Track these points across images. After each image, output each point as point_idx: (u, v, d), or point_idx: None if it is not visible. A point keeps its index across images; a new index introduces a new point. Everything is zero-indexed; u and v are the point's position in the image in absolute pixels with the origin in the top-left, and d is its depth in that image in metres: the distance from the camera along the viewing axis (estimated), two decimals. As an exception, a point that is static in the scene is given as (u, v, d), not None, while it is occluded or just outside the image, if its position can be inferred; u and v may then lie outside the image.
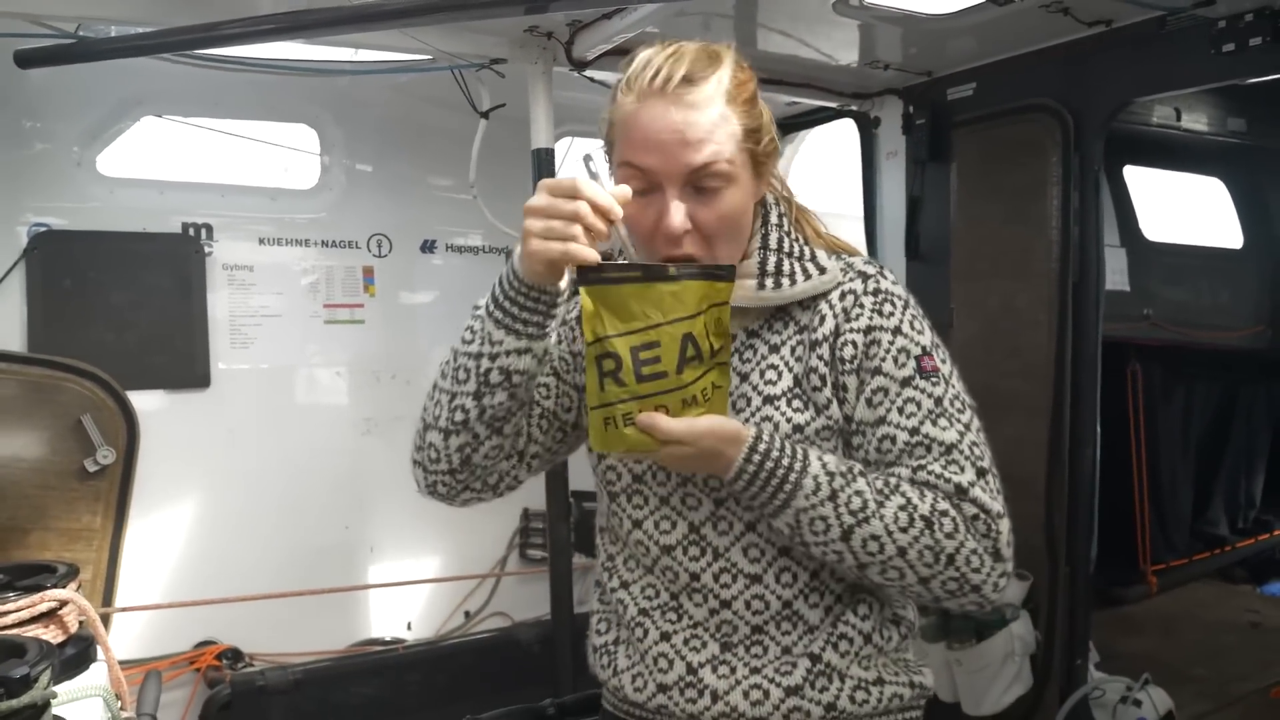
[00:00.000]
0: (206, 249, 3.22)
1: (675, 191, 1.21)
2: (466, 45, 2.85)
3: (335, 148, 3.46)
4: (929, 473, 1.20)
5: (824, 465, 1.19)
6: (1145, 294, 4.08)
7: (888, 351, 1.25)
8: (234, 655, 3.16)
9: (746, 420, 1.25)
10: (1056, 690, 3.04)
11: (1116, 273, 3.82)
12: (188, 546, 3.17)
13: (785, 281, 1.28)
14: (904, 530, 1.17)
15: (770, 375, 1.28)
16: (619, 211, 1.14)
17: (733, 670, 1.28)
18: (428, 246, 3.61)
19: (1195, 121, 3.51)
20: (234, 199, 3.32)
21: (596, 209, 1.12)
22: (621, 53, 2.91)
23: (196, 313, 3.19)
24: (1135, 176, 4.21)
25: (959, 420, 1.23)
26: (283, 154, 3.45)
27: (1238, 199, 4.67)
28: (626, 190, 1.17)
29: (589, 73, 3.01)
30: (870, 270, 1.31)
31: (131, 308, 3.09)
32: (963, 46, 3.02)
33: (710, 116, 1.21)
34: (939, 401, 1.23)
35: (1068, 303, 2.90)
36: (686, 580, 1.30)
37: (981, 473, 1.21)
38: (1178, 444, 4.31)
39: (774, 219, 1.34)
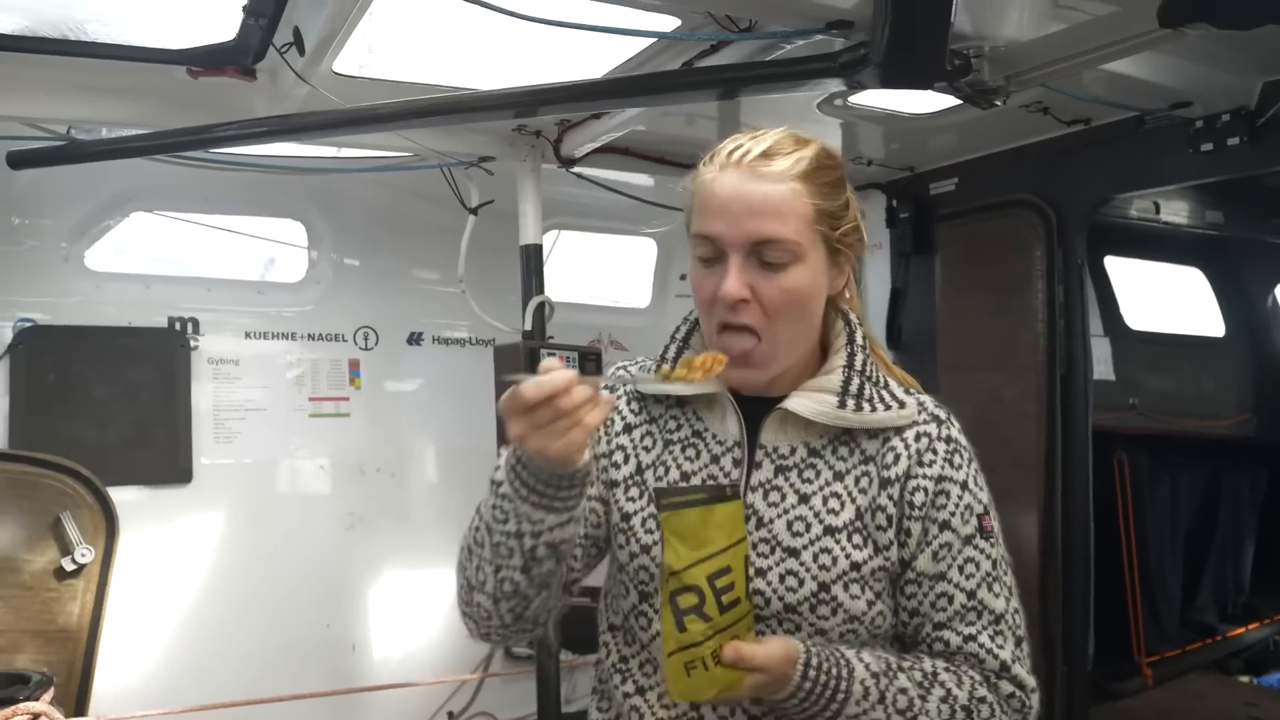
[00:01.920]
0: (192, 343, 3.20)
1: (738, 260, 1.20)
2: (456, 144, 2.90)
3: (323, 242, 3.48)
4: (978, 644, 1.23)
5: (867, 667, 1.18)
6: (1130, 383, 4.10)
7: (956, 506, 1.25)
8: (212, 762, 3.05)
9: (805, 546, 1.22)
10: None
11: (1101, 362, 3.84)
12: (166, 648, 3.07)
13: (866, 406, 1.25)
14: None
15: (833, 504, 1.24)
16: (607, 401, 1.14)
17: None
18: (414, 339, 3.61)
19: (1174, 214, 3.58)
20: (220, 293, 3.32)
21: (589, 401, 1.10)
22: (609, 151, 2.99)
23: (180, 407, 3.15)
24: (1116, 267, 4.27)
25: (1006, 586, 1.26)
26: (270, 248, 3.46)
27: (1218, 288, 4.74)
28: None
29: (577, 170, 3.07)
30: (942, 415, 1.30)
31: (115, 402, 3.05)
32: (944, 143, 3.09)
33: (781, 190, 1.20)
34: (995, 565, 1.25)
35: (1056, 394, 2.91)
36: None
37: (1019, 643, 1.25)
38: (1166, 532, 4.28)
39: (859, 339, 1.32)
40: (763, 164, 1.21)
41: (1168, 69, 2.31)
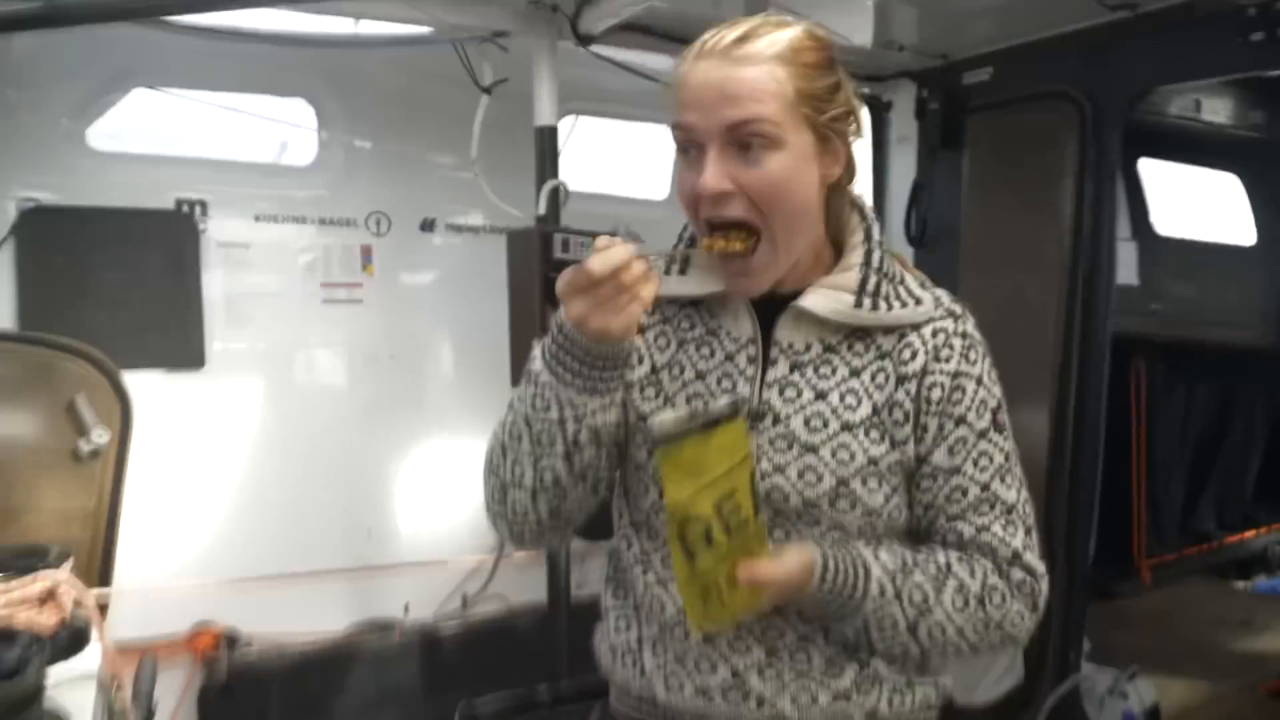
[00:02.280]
0: (201, 226, 3.14)
1: (714, 150, 1.16)
2: (469, 17, 2.79)
3: (333, 123, 3.37)
4: (991, 534, 1.24)
5: (884, 567, 1.20)
6: (1155, 289, 4.05)
7: (972, 401, 1.25)
8: (231, 638, 3.13)
9: (823, 442, 1.22)
10: (1049, 682, 3.04)
11: (1126, 266, 3.79)
12: (184, 528, 3.12)
13: (883, 305, 1.24)
14: (960, 611, 1.22)
15: (850, 400, 1.23)
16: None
17: (779, 675, 1.26)
18: (427, 225, 3.54)
19: (1215, 113, 3.46)
20: (229, 174, 3.24)
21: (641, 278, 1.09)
22: (629, 29, 2.87)
23: (191, 291, 3.11)
24: (1150, 170, 4.16)
25: (1017, 478, 1.27)
26: (280, 130, 3.37)
27: (1253, 194, 4.62)
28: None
29: (595, 48, 2.95)
30: (958, 310, 1.29)
31: (124, 286, 3.01)
32: (981, 30, 2.96)
33: (755, 73, 1.15)
34: (1007, 458, 1.26)
35: (1077, 296, 2.86)
36: None
37: (1029, 531, 1.27)
38: (1175, 440, 4.30)
39: (877, 235, 1.29)
40: (736, 48, 1.16)
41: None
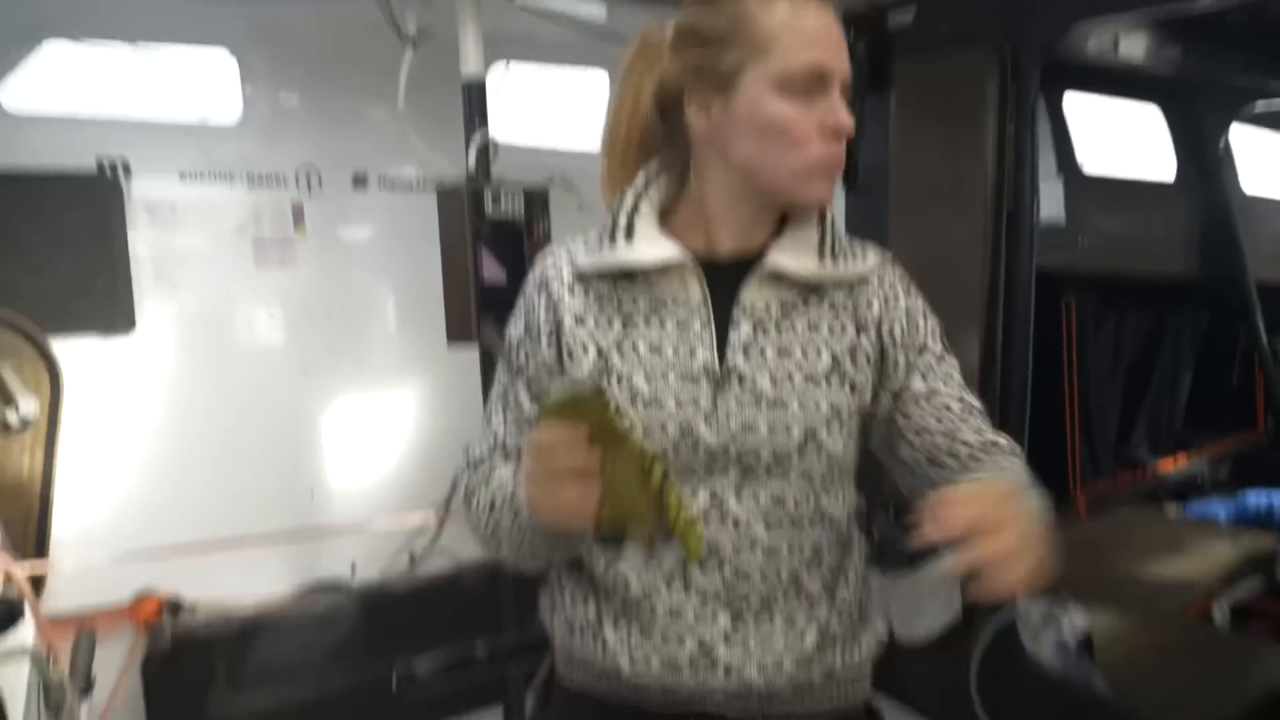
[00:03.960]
0: (124, 187, 3.07)
1: (835, 93, 1.22)
2: (392, -32, 2.73)
3: (257, 77, 3.31)
4: (986, 436, 1.30)
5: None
6: (1081, 226, 4.12)
7: (927, 328, 1.34)
8: (174, 605, 3.12)
9: (790, 395, 1.25)
10: (985, 615, 3.14)
11: (1052, 204, 3.85)
12: (123, 495, 3.09)
13: (842, 260, 1.30)
14: None
15: (811, 353, 1.27)
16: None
17: (744, 642, 1.27)
18: (360, 180, 3.50)
19: (1132, 50, 3.51)
20: (152, 133, 3.16)
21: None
22: (553, -23, 2.84)
23: (118, 253, 3.05)
24: (1075, 106, 4.22)
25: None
26: (203, 85, 3.29)
27: (1174, 129, 4.72)
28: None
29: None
30: (887, 256, 1.37)
31: (47, 251, 2.94)
32: (904, -29, 2.97)
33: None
34: (957, 371, 1.36)
35: (1001, 233, 2.91)
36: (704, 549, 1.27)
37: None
38: (1107, 372, 4.42)
39: None
40: (822, 2, 1.23)
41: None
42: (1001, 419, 2.99)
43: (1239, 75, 4.19)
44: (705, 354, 1.26)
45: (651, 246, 1.27)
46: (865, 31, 3.20)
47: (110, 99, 3.13)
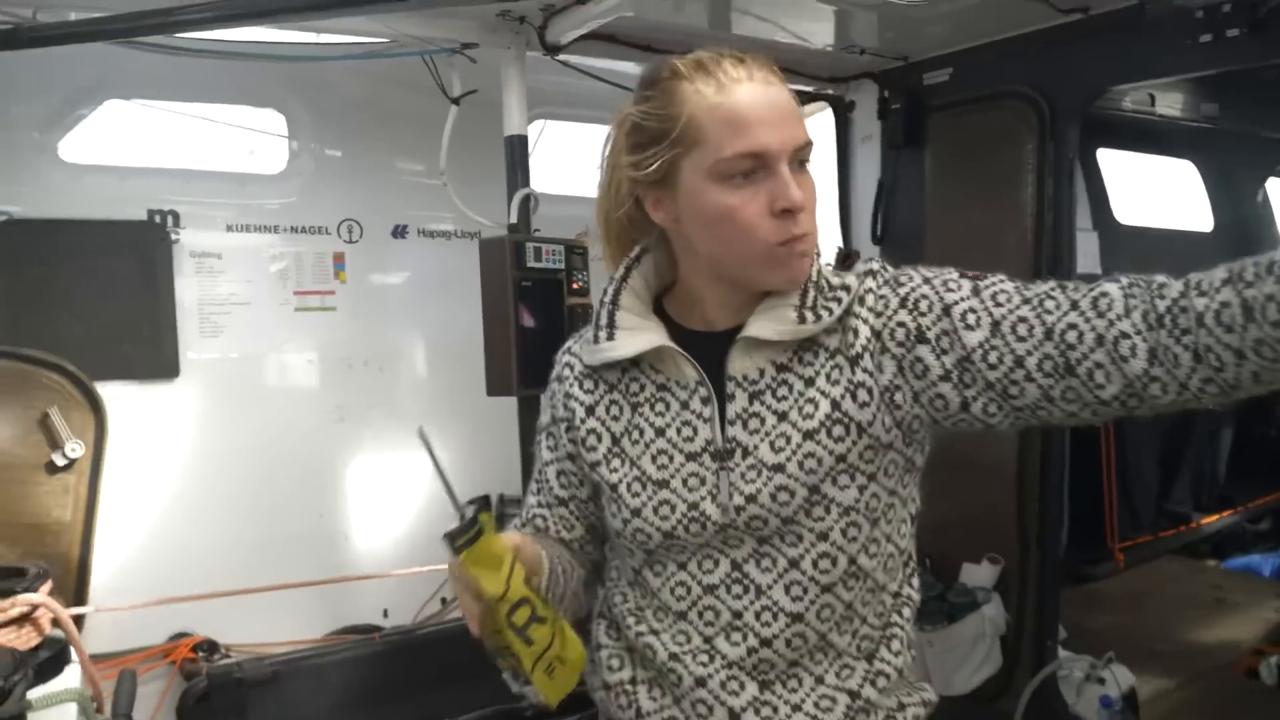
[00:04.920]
0: (173, 236, 3.15)
1: (786, 169, 1.17)
2: (437, 30, 2.81)
3: (303, 132, 3.40)
4: (1079, 309, 1.10)
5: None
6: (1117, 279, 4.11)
7: (936, 293, 1.20)
8: (210, 647, 3.13)
9: (789, 458, 1.21)
10: (1026, 670, 3.09)
11: (1088, 256, 3.85)
12: (161, 539, 3.12)
13: (823, 313, 1.23)
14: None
15: (808, 409, 1.22)
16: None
17: (775, 710, 1.25)
18: (399, 232, 3.56)
19: (1169, 107, 3.53)
20: (200, 185, 3.25)
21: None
22: (595, 37, 2.91)
23: (164, 302, 3.12)
24: (1109, 160, 4.23)
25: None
26: (250, 139, 3.38)
27: (1209, 182, 4.71)
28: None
29: (563, 57, 2.98)
30: (874, 266, 1.28)
31: (97, 297, 3.02)
32: (939, 32, 3.01)
33: (790, 96, 1.21)
34: (1008, 280, 1.19)
35: (1039, 288, 2.91)
36: (729, 619, 1.26)
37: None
38: (1146, 427, 4.37)
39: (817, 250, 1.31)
40: (761, 73, 1.20)
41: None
42: (1042, 474, 2.97)
43: (1276, 129, 4.19)
44: (707, 431, 1.25)
45: (632, 338, 1.28)
46: (901, 88, 3.24)
47: (162, 153, 3.23)
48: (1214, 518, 4.67)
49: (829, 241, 3.53)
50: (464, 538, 1.10)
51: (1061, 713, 3.01)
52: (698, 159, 1.19)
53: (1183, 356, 1.03)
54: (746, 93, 1.18)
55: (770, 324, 1.23)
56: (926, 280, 1.22)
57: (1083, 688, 3.07)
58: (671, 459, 1.26)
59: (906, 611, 1.33)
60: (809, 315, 1.22)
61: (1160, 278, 1.09)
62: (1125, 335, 1.06)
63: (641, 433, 1.30)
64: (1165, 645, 3.62)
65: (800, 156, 1.20)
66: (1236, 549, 4.66)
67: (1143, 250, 4.36)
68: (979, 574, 3.12)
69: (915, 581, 1.36)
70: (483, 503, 1.15)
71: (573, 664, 1.19)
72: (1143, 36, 2.56)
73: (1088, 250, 3.93)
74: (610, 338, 1.29)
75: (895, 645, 1.31)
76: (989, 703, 3.11)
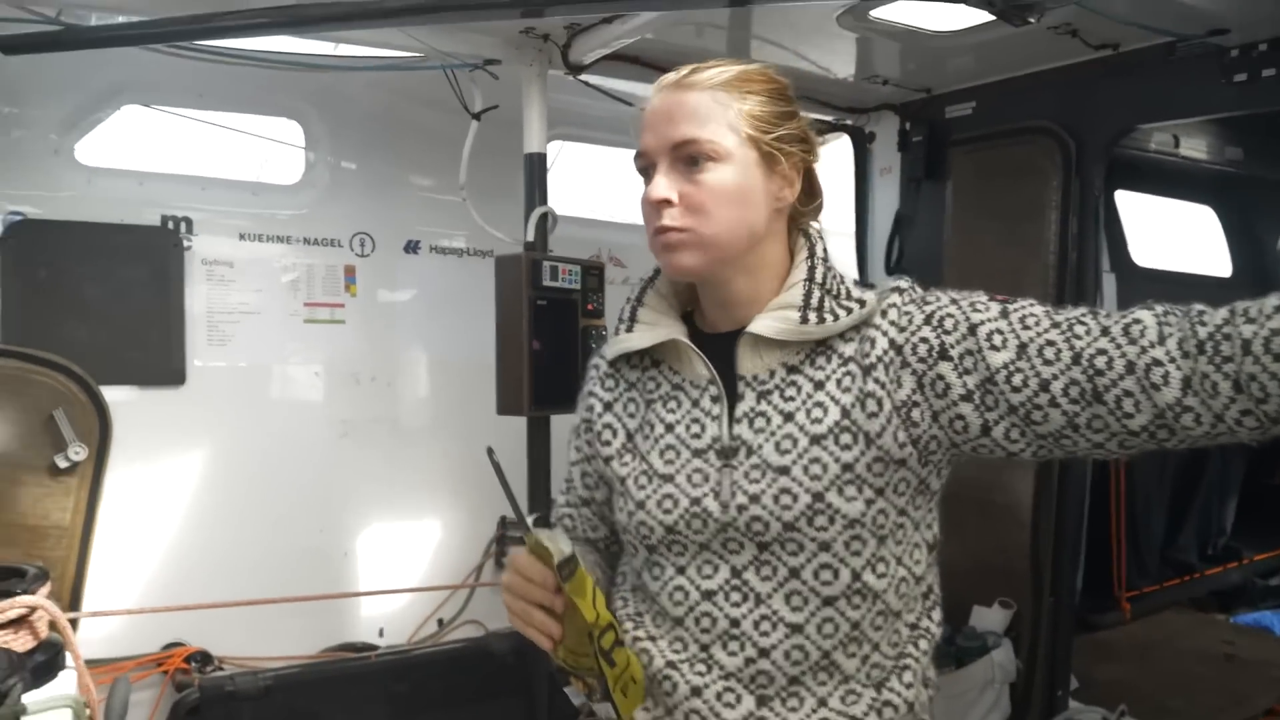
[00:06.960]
0: (185, 243, 3.14)
1: (664, 165, 1.23)
2: (460, 45, 2.80)
3: (320, 143, 3.39)
4: (1109, 335, 1.08)
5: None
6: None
7: (963, 312, 1.17)
8: (203, 658, 3.09)
9: (794, 461, 1.20)
10: (1036, 718, 3.03)
11: (1105, 298, 3.82)
12: (159, 547, 3.09)
13: (829, 317, 1.22)
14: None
15: (817, 414, 1.21)
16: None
17: None
18: (411, 247, 3.55)
19: (1193, 149, 3.52)
20: (214, 192, 3.23)
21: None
22: (617, 58, 2.90)
23: (173, 308, 3.10)
24: (1127, 202, 4.21)
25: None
26: (265, 148, 3.38)
27: (1228, 227, 4.69)
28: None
29: (584, 77, 2.98)
30: (903, 284, 1.27)
31: (107, 301, 3.00)
32: (963, 65, 3.00)
33: (700, 97, 1.23)
34: (1038, 304, 1.15)
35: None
36: (725, 626, 1.23)
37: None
38: (1155, 475, 4.32)
39: (820, 252, 1.30)
40: (687, 79, 1.25)
41: (1208, -9, 2.23)
42: (1058, 523, 2.92)
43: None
44: (714, 429, 1.26)
45: (648, 331, 1.33)
46: (922, 121, 3.23)
47: (178, 159, 3.22)
48: (1219, 568, 4.61)
49: (846, 273, 3.50)
50: (569, 567, 1.15)
51: (1070, 762, 2.95)
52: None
53: (1222, 385, 1.00)
54: (655, 99, 1.27)
55: (772, 322, 1.24)
56: (954, 300, 1.21)
57: (1093, 736, 3.01)
58: (678, 454, 1.27)
59: (924, 644, 1.30)
60: (812, 316, 1.23)
61: (1199, 305, 1.06)
62: (1158, 362, 1.03)
63: (653, 428, 1.32)
64: (1177, 701, 3.55)
65: (686, 153, 1.22)
66: (1244, 604, 4.60)
67: (1160, 294, 4.28)
68: (989, 618, 3.06)
69: (936, 615, 1.32)
70: (543, 517, 1.21)
71: (641, 682, 1.23)
72: (1173, 75, 2.54)
73: (1106, 293, 3.91)
74: (629, 330, 1.35)
75: (908, 677, 1.27)
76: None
